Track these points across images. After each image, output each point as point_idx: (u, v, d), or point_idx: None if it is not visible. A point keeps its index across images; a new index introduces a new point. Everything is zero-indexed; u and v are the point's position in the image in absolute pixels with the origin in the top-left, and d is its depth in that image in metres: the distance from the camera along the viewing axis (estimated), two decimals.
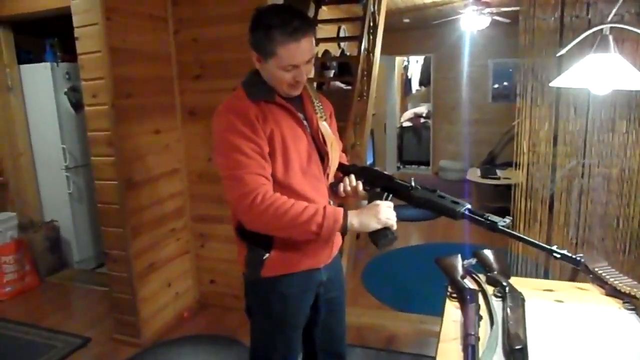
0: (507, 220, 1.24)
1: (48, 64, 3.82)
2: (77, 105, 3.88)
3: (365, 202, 1.45)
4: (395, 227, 1.35)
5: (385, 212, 1.33)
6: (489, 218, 1.25)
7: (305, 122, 1.47)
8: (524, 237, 1.29)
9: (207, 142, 3.05)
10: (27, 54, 3.97)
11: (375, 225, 1.32)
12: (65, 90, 3.90)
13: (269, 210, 1.29)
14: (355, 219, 1.32)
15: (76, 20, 2.56)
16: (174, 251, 3.13)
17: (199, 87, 3.02)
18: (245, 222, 1.37)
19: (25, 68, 3.91)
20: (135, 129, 2.76)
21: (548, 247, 1.24)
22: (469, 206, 1.30)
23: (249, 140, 1.33)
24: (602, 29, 1.38)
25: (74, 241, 4.08)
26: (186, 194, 3.21)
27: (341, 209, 1.33)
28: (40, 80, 3.86)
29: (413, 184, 1.39)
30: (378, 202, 1.36)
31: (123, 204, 2.69)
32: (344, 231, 1.35)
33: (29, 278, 3.74)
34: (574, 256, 1.22)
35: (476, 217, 1.26)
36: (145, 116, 2.84)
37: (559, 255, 1.22)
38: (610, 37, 1.37)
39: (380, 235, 1.34)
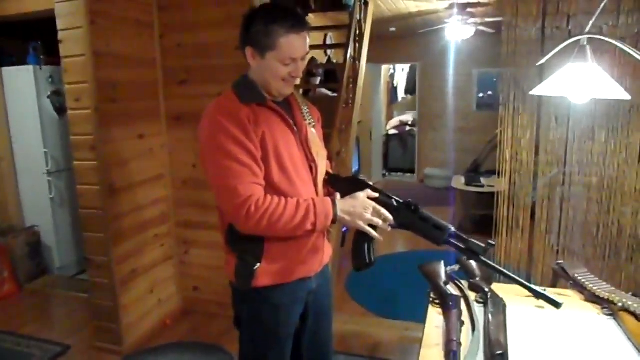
0: (491, 243, 1.24)
1: (31, 67, 3.77)
2: (61, 109, 3.83)
3: (345, 228, 1.47)
4: (380, 227, 1.37)
5: (378, 211, 1.35)
6: (471, 246, 1.25)
7: (295, 128, 1.47)
8: (505, 272, 1.28)
9: (192, 148, 3.04)
10: (9, 57, 3.91)
11: (360, 225, 1.35)
12: (49, 93, 3.85)
13: (263, 218, 1.30)
14: (345, 215, 1.36)
15: (60, 24, 2.53)
16: (157, 257, 3.10)
17: (184, 92, 3.01)
18: (240, 229, 1.37)
19: (8, 71, 3.85)
20: (119, 133, 2.74)
21: (530, 285, 1.24)
22: (452, 230, 1.29)
23: (241, 146, 1.31)
24: (579, 40, 1.41)
25: (55, 247, 4.01)
26: (170, 199, 3.19)
27: (330, 203, 1.36)
28: (22, 84, 3.80)
29: (395, 202, 1.38)
30: (368, 203, 1.36)
31: (105, 209, 2.65)
32: (334, 222, 1.38)
33: (7, 285, 3.66)
34: (553, 297, 1.22)
35: (459, 245, 1.27)
36: (129, 121, 2.81)
37: (538, 295, 1.24)
38: (588, 48, 1.40)
39: (362, 263, 1.39)
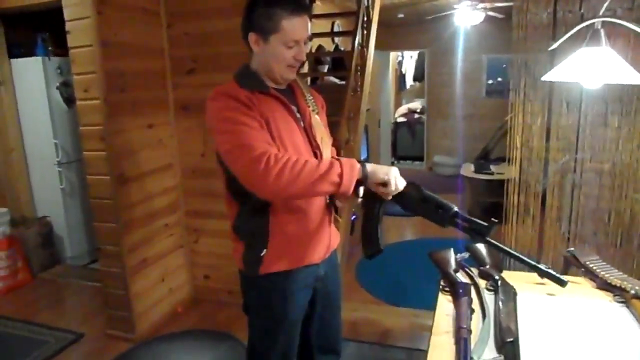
0: (494, 221, 1.23)
1: (39, 58, 3.78)
2: (70, 100, 3.85)
3: (354, 216, 1.46)
4: (393, 188, 1.30)
5: (396, 176, 1.30)
6: (475, 226, 1.23)
7: (298, 115, 1.46)
8: (510, 250, 1.27)
9: (201, 137, 3.05)
10: (18, 48, 3.93)
11: (382, 177, 1.29)
12: (57, 84, 3.87)
13: (284, 172, 1.21)
14: (368, 165, 1.31)
15: (67, 14, 2.53)
16: (167, 246, 3.12)
17: (192, 81, 3.00)
18: (261, 190, 1.25)
19: (17, 62, 3.87)
20: (128, 123, 2.74)
21: (534, 263, 1.24)
22: (455, 210, 1.26)
23: (248, 116, 1.31)
24: (593, 23, 1.38)
25: (67, 237, 4.05)
26: (179, 188, 3.20)
27: (353, 159, 1.33)
28: (31, 75, 3.82)
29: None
30: (393, 167, 1.32)
31: (116, 199, 2.67)
32: (363, 177, 1.30)
33: (21, 274, 3.72)
34: (558, 275, 1.21)
35: (463, 224, 1.25)
36: (138, 111, 2.82)
37: (543, 272, 1.23)
38: (602, 31, 1.38)
39: (375, 249, 1.37)
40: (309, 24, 1.38)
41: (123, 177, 2.72)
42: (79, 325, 3.08)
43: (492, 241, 1.26)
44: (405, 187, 1.32)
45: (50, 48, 3.87)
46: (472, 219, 1.25)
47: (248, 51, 1.43)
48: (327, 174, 1.24)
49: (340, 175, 1.24)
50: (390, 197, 1.32)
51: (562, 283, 1.22)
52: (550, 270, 1.23)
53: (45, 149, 3.91)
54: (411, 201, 1.32)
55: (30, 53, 3.85)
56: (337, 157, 1.32)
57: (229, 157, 1.32)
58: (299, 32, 1.34)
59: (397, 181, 1.29)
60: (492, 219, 1.23)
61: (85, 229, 4.12)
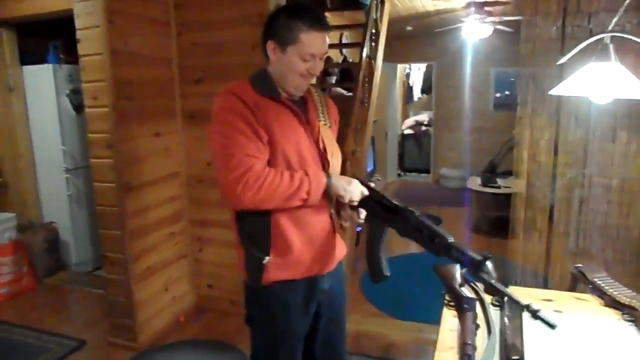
0: (488, 256, 1.19)
1: (50, 66, 3.83)
2: (79, 107, 3.88)
3: (359, 227, 1.48)
4: (347, 200, 1.40)
5: (352, 190, 1.40)
6: (469, 260, 1.19)
7: (307, 125, 1.47)
8: (503, 289, 1.25)
9: (207, 146, 3.05)
10: (30, 56, 3.98)
11: (339, 192, 1.40)
12: (67, 92, 3.91)
13: (261, 191, 1.31)
14: (333, 178, 1.41)
15: (78, 23, 2.56)
16: (171, 255, 3.12)
17: (200, 90, 3.02)
18: (234, 205, 1.39)
19: (28, 69, 3.92)
20: (135, 131, 2.76)
21: (525, 304, 1.20)
22: (450, 240, 1.22)
23: (247, 123, 1.34)
24: (602, 38, 1.38)
25: (73, 243, 4.07)
26: (185, 197, 3.20)
27: (323, 174, 1.41)
28: (42, 82, 3.86)
29: (390, 206, 1.36)
30: (355, 180, 1.42)
31: (122, 206, 2.68)
32: (327, 189, 1.40)
33: (26, 279, 3.73)
34: (547, 319, 1.15)
35: (459, 257, 1.22)
36: (146, 119, 2.84)
37: (533, 313, 1.18)
38: (611, 46, 1.37)
39: (379, 277, 1.40)
40: (327, 40, 1.41)
41: (129, 185, 2.73)
42: (82, 332, 3.07)
43: (484, 277, 1.22)
44: (401, 212, 1.33)
45: (61, 56, 3.92)
46: (467, 252, 1.21)
47: (265, 59, 1.46)
48: (298, 191, 1.35)
49: (308, 192, 1.36)
50: (355, 204, 1.41)
51: (552, 327, 1.16)
52: (541, 315, 1.18)
53: (53, 155, 3.94)
54: (405, 227, 1.31)
55: (41, 60, 3.90)
56: (307, 172, 1.38)
57: (215, 160, 1.40)
58: (316, 47, 1.37)
59: (351, 195, 1.40)
60: (486, 254, 1.19)
61: (90, 236, 4.13)
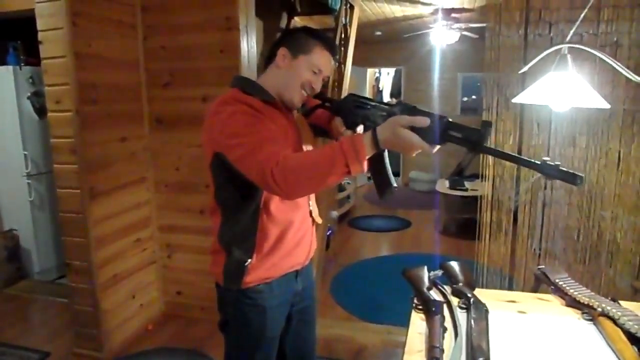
0: (487, 122, 1.10)
1: (10, 67, 3.70)
2: (41, 111, 3.76)
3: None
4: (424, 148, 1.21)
5: (415, 143, 1.20)
6: (469, 134, 1.11)
7: (299, 134, 1.50)
8: (511, 154, 1.17)
9: (176, 151, 3.01)
10: None
11: (402, 150, 1.20)
12: (29, 94, 3.78)
13: (297, 179, 1.17)
14: (380, 139, 1.17)
15: (40, 24, 2.48)
16: (139, 262, 3.05)
17: (167, 95, 2.97)
18: (280, 193, 1.22)
19: None
20: (101, 136, 2.70)
21: (539, 162, 1.08)
22: (446, 119, 1.14)
23: (263, 121, 1.30)
24: (561, 48, 1.43)
25: (35, 251, 3.93)
26: (153, 203, 3.15)
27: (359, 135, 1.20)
28: (2, 84, 3.72)
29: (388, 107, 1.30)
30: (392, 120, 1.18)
31: (86, 213, 2.61)
32: (377, 148, 1.18)
33: None
34: (571, 172, 1.05)
35: (457, 135, 1.13)
36: (111, 123, 2.77)
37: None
38: (569, 57, 1.42)
39: (387, 190, 1.29)
40: (333, 67, 1.51)
41: (94, 191, 2.66)
42: (45, 343, 2.97)
43: (490, 147, 1.15)
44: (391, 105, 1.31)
45: (22, 57, 3.79)
46: (464, 125, 1.12)
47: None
48: (333, 158, 1.15)
49: (347, 165, 1.15)
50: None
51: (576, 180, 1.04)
52: (563, 168, 1.06)
53: (14, 160, 3.80)
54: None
55: (1, 61, 3.77)
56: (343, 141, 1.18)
57: (242, 165, 1.27)
58: (325, 65, 1.43)
59: (422, 144, 1.19)
60: (484, 120, 1.12)
61: (54, 243, 4.00)
